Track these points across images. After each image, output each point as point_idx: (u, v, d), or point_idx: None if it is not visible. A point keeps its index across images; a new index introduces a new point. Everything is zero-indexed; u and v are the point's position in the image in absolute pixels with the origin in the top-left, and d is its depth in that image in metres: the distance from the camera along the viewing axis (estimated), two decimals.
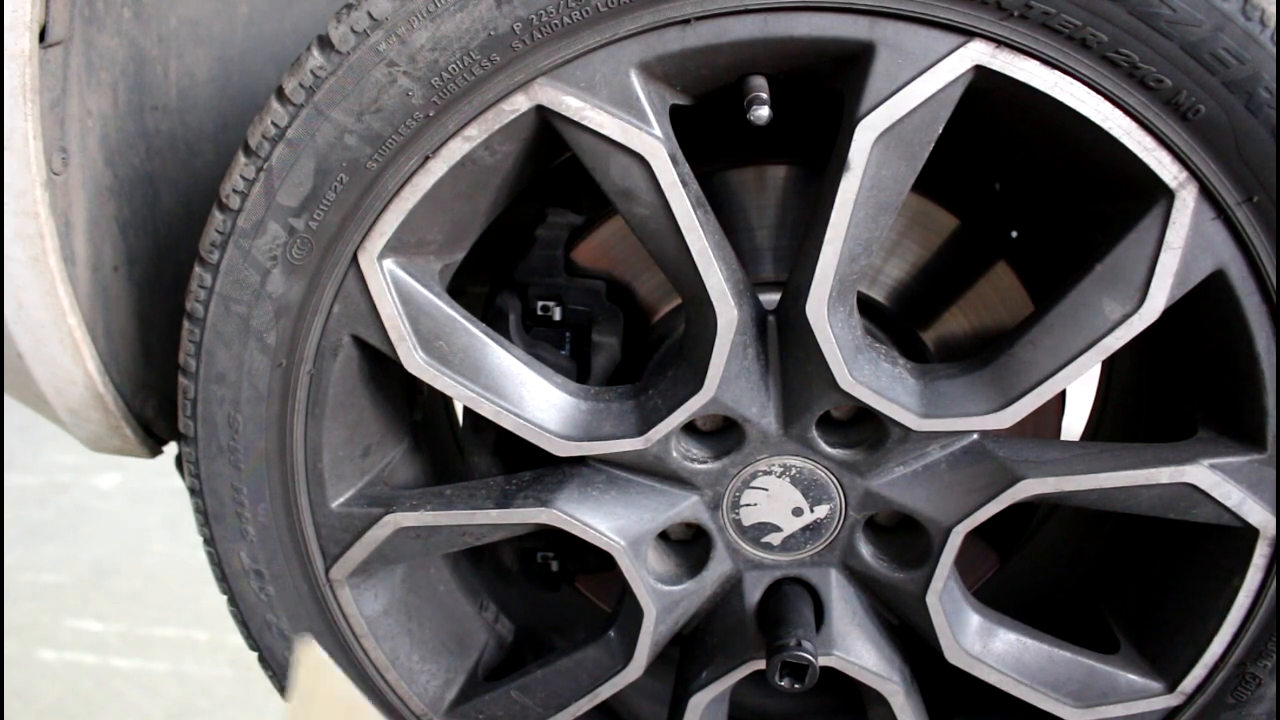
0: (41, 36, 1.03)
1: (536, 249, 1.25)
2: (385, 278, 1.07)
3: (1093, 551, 1.40)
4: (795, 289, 1.07)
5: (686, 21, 0.97)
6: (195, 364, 1.11)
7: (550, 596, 1.42)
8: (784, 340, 1.09)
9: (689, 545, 1.22)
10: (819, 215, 1.03)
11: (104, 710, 2.25)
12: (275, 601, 1.21)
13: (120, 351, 1.24)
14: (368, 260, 1.06)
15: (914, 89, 0.97)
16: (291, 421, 1.12)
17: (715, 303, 1.05)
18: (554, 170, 1.22)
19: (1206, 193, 0.99)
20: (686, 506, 1.15)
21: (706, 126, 1.19)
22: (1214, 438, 1.11)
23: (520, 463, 1.22)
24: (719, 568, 1.18)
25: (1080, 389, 1.28)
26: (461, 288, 1.42)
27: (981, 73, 0.97)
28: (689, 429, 1.14)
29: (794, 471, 1.13)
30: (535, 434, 1.11)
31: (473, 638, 1.34)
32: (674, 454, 1.12)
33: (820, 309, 1.04)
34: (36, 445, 3.46)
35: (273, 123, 1.01)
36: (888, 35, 0.96)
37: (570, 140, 1.02)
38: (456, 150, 1.03)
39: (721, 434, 1.15)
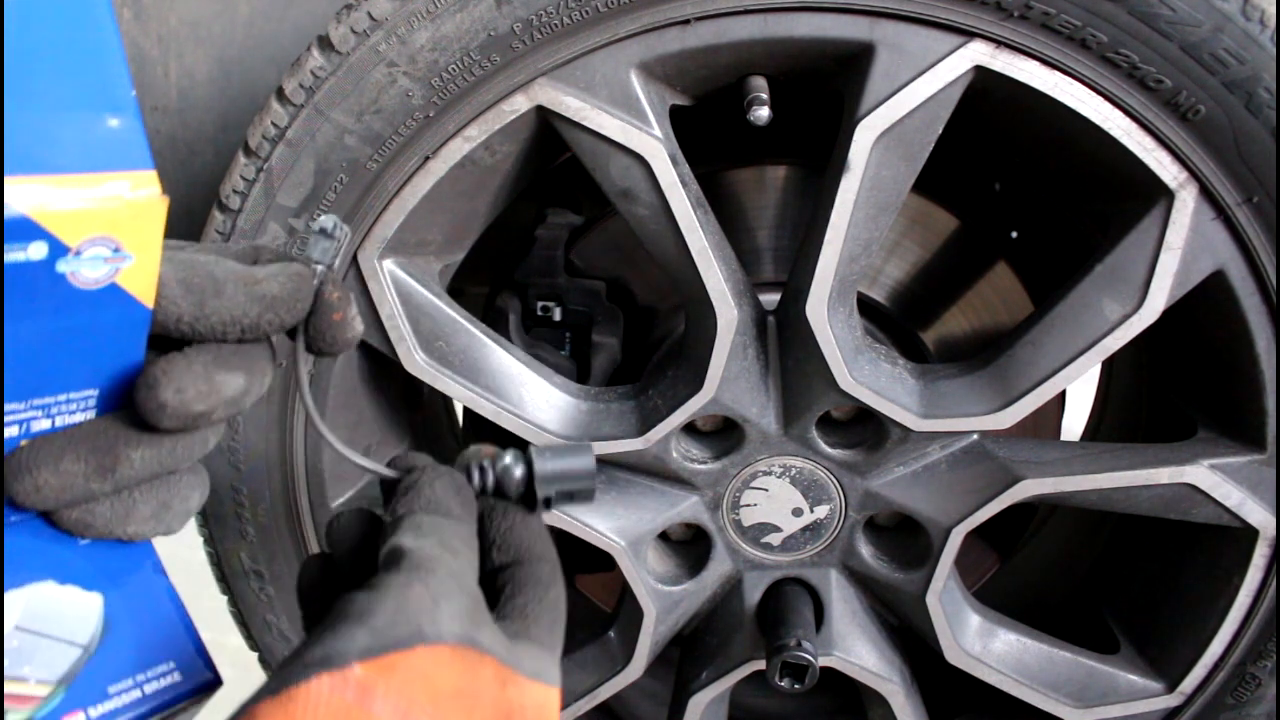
0: None
1: (536, 249, 1.25)
2: (385, 278, 1.07)
3: (1093, 552, 1.40)
4: (795, 289, 1.07)
5: (686, 22, 0.97)
6: None
7: None
8: (784, 340, 1.09)
9: (689, 545, 1.22)
10: (819, 216, 1.03)
11: None
12: (275, 601, 1.21)
13: None
14: (367, 261, 1.06)
15: (914, 89, 0.96)
16: (291, 421, 1.12)
17: (715, 303, 1.05)
18: (554, 170, 1.22)
19: (1206, 193, 0.99)
20: (686, 507, 1.15)
21: (706, 127, 1.18)
22: (1214, 438, 1.11)
23: None
24: (719, 568, 1.18)
25: (1080, 389, 1.28)
26: (461, 288, 1.42)
27: (981, 73, 0.97)
28: (689, 429, 1.14)
29: (794, 472, 1.13)
30: (535, 434, 1.11)
31: None
32: (674, 454, 1.12)
33: (820, 309, 1.04)
34: None
35: (273, 123, 1.01)
36: (888, 36, 0.96)
37: (570, 141, 1.02)
38: (456, 150, 1.03)
39: (721, 434, 1.15)
